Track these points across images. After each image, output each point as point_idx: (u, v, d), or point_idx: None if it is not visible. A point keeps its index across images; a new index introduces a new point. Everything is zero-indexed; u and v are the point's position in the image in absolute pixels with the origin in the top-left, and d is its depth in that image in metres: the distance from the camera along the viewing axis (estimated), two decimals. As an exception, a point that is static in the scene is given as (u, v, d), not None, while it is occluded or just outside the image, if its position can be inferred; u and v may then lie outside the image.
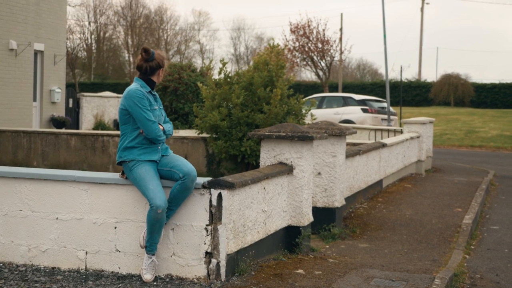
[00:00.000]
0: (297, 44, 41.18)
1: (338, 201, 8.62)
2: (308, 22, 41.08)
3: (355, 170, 10.34)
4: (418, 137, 15.60)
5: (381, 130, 17.84)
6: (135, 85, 5.74)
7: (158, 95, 6.01)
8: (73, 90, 25.04)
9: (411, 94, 49.02)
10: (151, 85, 5.81)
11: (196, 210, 5.68)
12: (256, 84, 12.22)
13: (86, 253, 5.95)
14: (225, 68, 12.60)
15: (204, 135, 13.51)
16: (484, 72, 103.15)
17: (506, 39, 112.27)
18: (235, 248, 5.79)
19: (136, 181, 5.63)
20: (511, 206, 11.77)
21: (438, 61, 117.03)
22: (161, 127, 5.74)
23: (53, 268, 6.00)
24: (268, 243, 6.58)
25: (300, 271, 6.23)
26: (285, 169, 6.84)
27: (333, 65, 43.79)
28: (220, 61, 12.82)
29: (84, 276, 5.77)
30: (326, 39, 40.85)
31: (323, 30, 40.84)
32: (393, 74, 68.70)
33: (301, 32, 41.00)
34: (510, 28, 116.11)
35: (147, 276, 5.61)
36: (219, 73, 12.73)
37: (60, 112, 21.41)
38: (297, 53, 41.50)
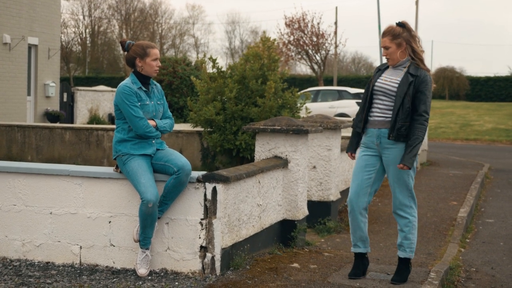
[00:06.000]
0: (292, 37, 41.13)
1: (333, 195, 8.61)
2: (303, 15, 41.03)
3: (350, 163, 10.33)
4: (413, 130, 15.57)
5: (376, 123, 17.77)
6: (125, 81, 5.71)
7: (159, 89, 5.91)
8: (68, 84, 24.97)
9: (406, 88, 48.91)
10: (142, 79, 5.76)
11: (190, 204, 5.66)
12: (248, 77, 12.18)
13: (81, 247, 5.92)
14: (216, 63, 12.56)
15: (199, 128, 13.46)
16: (482, 65, 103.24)
17: (508, 32, 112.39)
18: (230, 242, 5.77)
19: (128, 175, 5.60)
20: (506, 199, 11.79)
21: (433, 55, 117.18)
22: (153, 123, 5.70)
23: (47, 262, 5.98)
24: (263, 237, 6.56)
25: (295, 265, 6.22)
26: (280, 162, 6.82)
27: (328, 59, 43.74)
28: (209, 58, 12.76)
29: (79, 271, 5.74)
30: (321, 32, 40.81)
31: (318, 23, 40.80)
32: (388, 68, 68.65)
33: (296, 26, 40.95)
34: (510, 22, 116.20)
35: (142, 271, 5.59)
36: (212, 67, 12.69)
37: (54, 106, 21.34)
38: (292, 47, 41.46)
